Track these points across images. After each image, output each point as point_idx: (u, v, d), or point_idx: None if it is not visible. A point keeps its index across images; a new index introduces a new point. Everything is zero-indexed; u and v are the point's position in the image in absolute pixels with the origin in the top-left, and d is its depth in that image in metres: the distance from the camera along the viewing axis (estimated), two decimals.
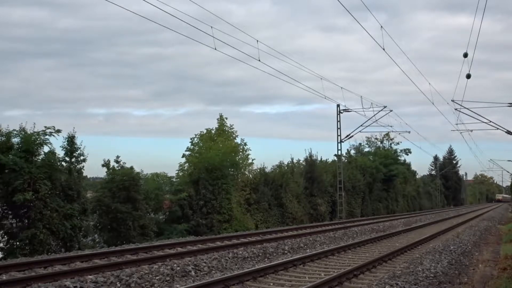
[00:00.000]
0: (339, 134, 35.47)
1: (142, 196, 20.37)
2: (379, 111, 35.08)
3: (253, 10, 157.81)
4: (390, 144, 66.84)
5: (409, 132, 43.89)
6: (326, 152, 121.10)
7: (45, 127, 17.28)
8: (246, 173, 29.64)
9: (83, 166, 18.78)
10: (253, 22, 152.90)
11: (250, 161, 30.12)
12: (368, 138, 63.76)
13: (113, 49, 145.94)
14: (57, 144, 17.92)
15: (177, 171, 26.62)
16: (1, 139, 16.53)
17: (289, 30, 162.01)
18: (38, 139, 16.98)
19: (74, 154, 18.45)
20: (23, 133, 16.90)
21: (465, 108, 27.85)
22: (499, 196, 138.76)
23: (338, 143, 35.57)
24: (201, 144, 27.93)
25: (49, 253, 15.09)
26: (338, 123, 35.44)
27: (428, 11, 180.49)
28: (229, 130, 30.28)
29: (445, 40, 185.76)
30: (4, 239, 16.08)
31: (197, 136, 28.42)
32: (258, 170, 30.11)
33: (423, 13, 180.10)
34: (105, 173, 20.48)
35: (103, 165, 20.48)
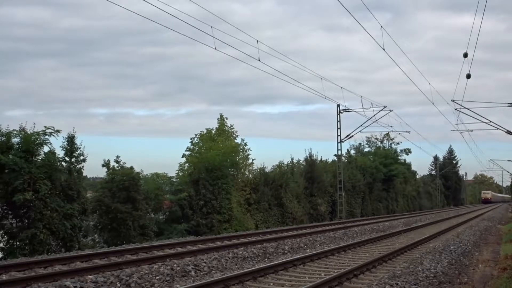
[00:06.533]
0: (339, 134, 35.50)
1: (142, 196, 20.37)
2: (379, 111, 35.12)
3: (257, 10, 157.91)
4: (390, 144, 67.07)
5: (409, 132, 43.93)
6: (326, 152, 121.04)
7: (45, 127, 17.32)
8: (246, 173, 29.65)
9: (83, 166, 18.83)
10: (258, 22, 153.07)
11: (250, 161, 30.19)
12: (368, 138, 63.95)
13: (115, 49, 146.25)
14: (57, 144, 17.98)
15: (177, 171, 26.64)
16: (1, 139, 16.52)
17: (293, 29, 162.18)
18: (38, 139, 16.98)
19: (74, 154, 18.48)
20: (23, 133, 16.91)
21: (465, 108, 27.81)
22: (486, 194, 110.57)
23: (338, 143, 35.60)
24: (201, 144, 27.93)
25: (49, 253, 15.09)
26: (338, 123, 35.46)
27: (433, 11, 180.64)
28: (229, 130, 30.30)
29: (448, 40, 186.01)
30: (4, 239, 16.07)
31: (197, 136, 28.44)
32: (258, 170, 30.14)
33: (427, 12, 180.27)
34: (105, 173, 20.50)
35: (103, 165, 20.49)
